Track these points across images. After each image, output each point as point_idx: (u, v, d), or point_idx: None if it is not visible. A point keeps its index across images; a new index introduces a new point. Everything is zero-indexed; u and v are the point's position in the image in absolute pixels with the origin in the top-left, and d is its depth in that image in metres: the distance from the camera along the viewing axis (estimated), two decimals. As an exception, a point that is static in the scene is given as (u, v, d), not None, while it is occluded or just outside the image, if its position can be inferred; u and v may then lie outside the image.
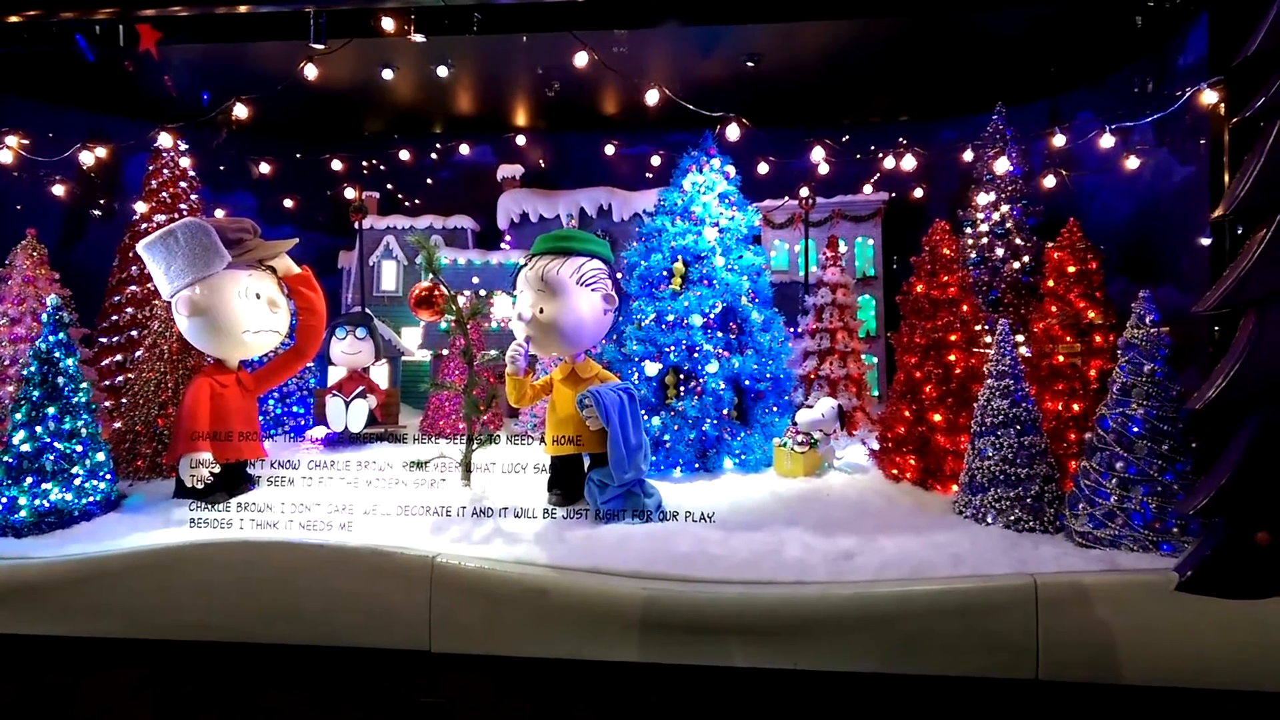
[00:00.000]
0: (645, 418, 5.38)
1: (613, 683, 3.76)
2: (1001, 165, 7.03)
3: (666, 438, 5.73)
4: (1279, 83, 3.55)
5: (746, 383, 6.04)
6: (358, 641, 3.93)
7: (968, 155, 7.44)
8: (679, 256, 6.11)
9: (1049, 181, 6.89)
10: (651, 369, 5.86)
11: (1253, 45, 3.63)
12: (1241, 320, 3.70)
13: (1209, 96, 5.05)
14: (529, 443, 5.41)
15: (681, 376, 5.96)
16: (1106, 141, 6.10)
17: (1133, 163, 6.14)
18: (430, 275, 5.15)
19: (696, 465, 5.82)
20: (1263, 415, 3.56)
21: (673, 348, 5.87)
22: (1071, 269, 5.50)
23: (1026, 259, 7.04)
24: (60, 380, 4.63)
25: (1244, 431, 3.62)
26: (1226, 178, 4.83)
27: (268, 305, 5.00)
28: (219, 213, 8.34)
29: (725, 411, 5.92)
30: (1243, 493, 3.53)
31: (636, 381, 5.80)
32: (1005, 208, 7.23)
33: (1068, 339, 5.42)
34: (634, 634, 3.70)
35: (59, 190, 7.38)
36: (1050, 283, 5.61)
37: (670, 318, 5.93)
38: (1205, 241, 5.15)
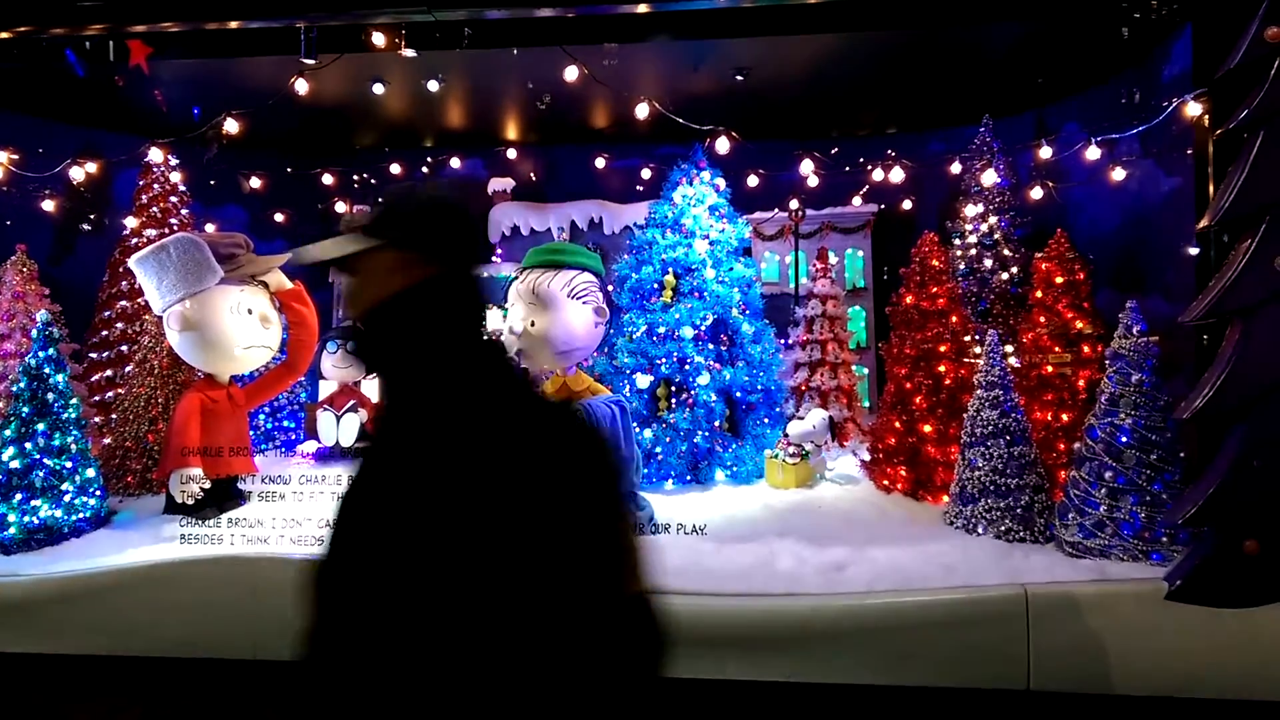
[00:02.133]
0: (637, 430, 5.39)
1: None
2: (989, 177, 7.08)
3: (658, 450, 5.73)
4: (1261, 95, 3.60)
5: (738, 394, 6.05)
6: (349, 657, 3.90)
7: (955, 167, 7.49)
8: (670, 269, 6.13)
9: (1036, 193, 6.94)
10: (643, 381, 5.87)
11: (1235, 58, 3.68)
12: (1228, 330, 3.74)
13: (1193, 108, 5.09)
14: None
15: (673, 388, 5.96)
16: (1093, 153, 6.13)
17: (1119, 174, 6.19)
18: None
19: (688, 477, 5.82)
20: (1249, 424, 3.59)
21: (664, 360, 5.88)
22: (1059, 280, 5.54)
23: (1015, 270, 7.09)
24: (50, 396, 4.61)
25: (1231, 441, 3.66)
26: (1211, 189, 4.87)
27: (259, 321, 4.99)
28: (209, 227, 8.34)
29: (717, 423, 5.93)
30: (1230, 502, 3.56)
31: (628, 394, 5.81)
32: (993, 219, 7.28)
33: (1056, 349, 5.45)
34: (626, 647, 3.69)
35: (49, 205, 7.36)
36: (1038, 293, 5.64)
37: (661, 330, 5.94)
38: (1191, 252, 5.19)
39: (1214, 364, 3.71)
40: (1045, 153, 6.56)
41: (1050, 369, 5.43)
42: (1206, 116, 5.00)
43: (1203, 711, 3.58)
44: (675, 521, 4.52)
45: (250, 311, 4.93)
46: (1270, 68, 3.58)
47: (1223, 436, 3.72)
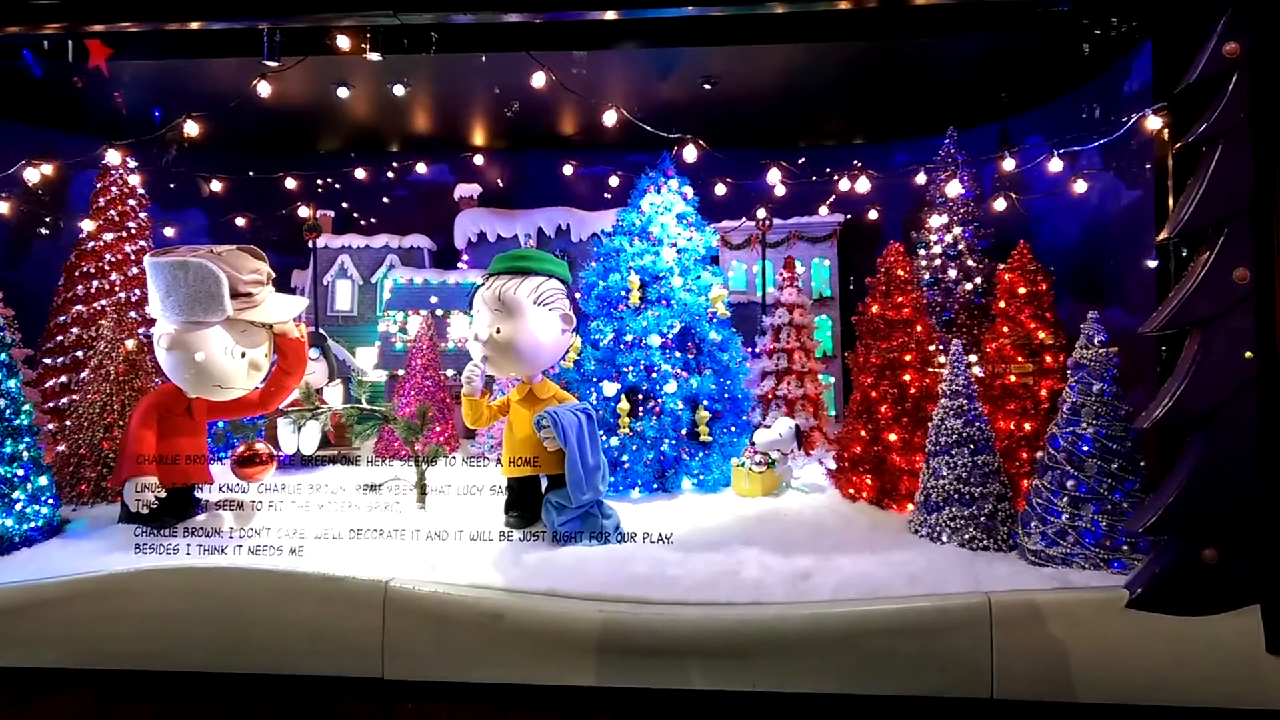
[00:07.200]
0: (603, 438, 5.36)
1: (570, 707, 3.72)
2: (953, 188, 7.14)
3: (625, 458, 5.71)
4: (1219, 110, 3.66)
5: (705, 403, 6.04)
6: (309, 669, 3.84)
7: (921, 178, 7.56)
8: (636, 275, 6.11)
9: (999, 204, 7.02)
10: (610, 389, 5.84)
11: (1193, 74, 3.74)
12: (1187, 341, 3.79)
13: (1153, 122, 5.18)
14: (486, 464, 5.35)
15: (640, 397, 5.94)
16: (1055, 165, 6.22)
17: (1080, 186, 6.28)
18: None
19: (655, 486, 5.81)
20: (1208, 434, 3.64)
21: (631, 368, 5.86)
22: (1022, 290, 5.59)
23: (979, 280, 7.16)
24: (2, 402, 4.50)
25: (1190, 450, 3.71)
26: (1171, 201, 4.95)
27: (249, 366, 4.83)
28: (168, 231, 8.22)
29: (683, 431, 5.91)
30: (1189, 510, 3.60)
31: (595, 402, 5.78)
32: (957, 230, 7.35)
33: (1019, 359, 5.49)
34: (591, 657, 3.67)
35: (3, 208, 7.20)
36: (1002, 304, 5.69)
37: (629, 338, 5.92)
38: (1151, 264, 5.26)
39: (1174, 374, 3.76)
40: (1009, 165, 6.63)
41: (1013, 379, 5.47)
42: (1166, 130, 5.08)
43: (1163, 719, 3.61)
44: (641, 530, 4.50)
45: (243, 356, 4.79)
46: (1228, 83, 3.64)
47: (1182, 446, 3.77)
